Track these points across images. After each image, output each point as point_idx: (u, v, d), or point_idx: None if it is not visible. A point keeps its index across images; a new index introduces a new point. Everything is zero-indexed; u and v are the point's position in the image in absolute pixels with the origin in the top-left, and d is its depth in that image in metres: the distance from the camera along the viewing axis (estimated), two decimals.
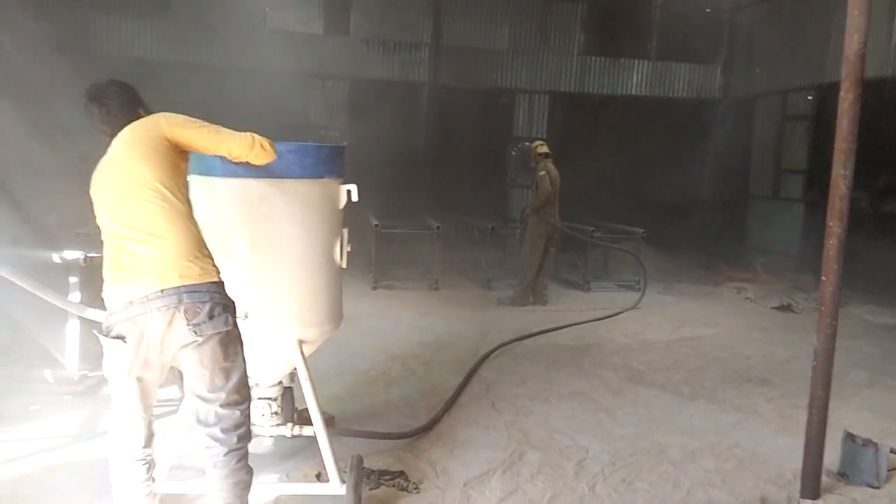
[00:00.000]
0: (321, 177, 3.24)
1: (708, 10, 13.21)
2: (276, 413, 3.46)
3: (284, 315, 3.19)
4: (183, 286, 2.40)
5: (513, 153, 12.70)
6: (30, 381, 4.52)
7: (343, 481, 3.13)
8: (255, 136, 2.66)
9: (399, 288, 8.84)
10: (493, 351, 6.00)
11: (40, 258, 4.67)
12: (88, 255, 4.71)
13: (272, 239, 3.15)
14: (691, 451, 4.15)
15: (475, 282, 9.56)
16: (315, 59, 11.90)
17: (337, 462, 3.16)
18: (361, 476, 3.28)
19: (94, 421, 4.18)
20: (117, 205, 2.48)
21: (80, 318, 4.21)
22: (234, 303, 2.57)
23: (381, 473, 3.53)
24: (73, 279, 4.69)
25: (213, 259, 2.56)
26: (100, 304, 2.60)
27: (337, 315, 3.50)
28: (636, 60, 13.29)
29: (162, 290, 2.39)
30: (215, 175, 3.01)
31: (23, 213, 5.21)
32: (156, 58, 11.33)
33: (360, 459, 3.29)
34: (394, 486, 3.47)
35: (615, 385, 5.36)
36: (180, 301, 2.40)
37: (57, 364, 4.61)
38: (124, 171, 2.48)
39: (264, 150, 2.67)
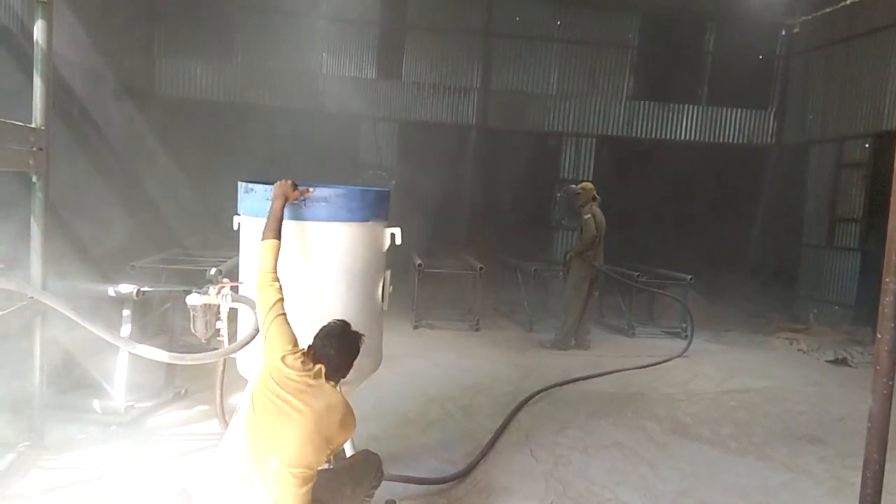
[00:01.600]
0: (367, 220, 3.31)
1: (760, 56, 13.11)
2: None
3: None
4: None
5: (559, 195, 12.74)
6: (77, 411, 4.63)
7: None
8: None
9: (440, 328, 8.84)
10: (532, 396, 5.93)
11: (96, 291, 4.84)
12: (142, 289, 4.89)
13: (316, 279, 3.21)
14: None
15: (517, 323, 9.49)
16: (367, 101, 12.24)
17: None
18: None
19: (139, 452, 4.26)
20: (267, 450, 2.60)
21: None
22: None
23: None
24: (126, 312, 4.85)
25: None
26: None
27: (377, 356, 3.52)
28: (686, 105, 13.21)
29: None
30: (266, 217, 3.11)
31: (81, 247, 5.42)
32: (218, 99, 11.81)
33: None
34: None
35: (659, 437, 5.22)
36: None
37: (105, 394, 4.73)
38: (293, 439, 2.58)
39: None
